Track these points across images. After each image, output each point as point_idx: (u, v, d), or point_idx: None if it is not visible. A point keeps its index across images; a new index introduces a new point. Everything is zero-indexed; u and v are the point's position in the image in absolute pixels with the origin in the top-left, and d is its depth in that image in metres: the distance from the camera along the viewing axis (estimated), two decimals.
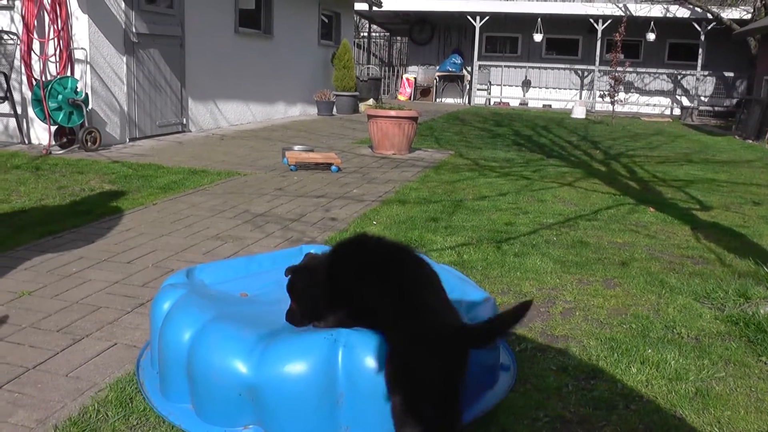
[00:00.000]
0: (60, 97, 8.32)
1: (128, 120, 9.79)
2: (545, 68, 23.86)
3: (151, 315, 2.84)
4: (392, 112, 9.62)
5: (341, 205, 6.28)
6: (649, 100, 22.92)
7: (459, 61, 24.44)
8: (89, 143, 8.70)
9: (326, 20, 17.45)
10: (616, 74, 17.82)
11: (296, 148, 8.93)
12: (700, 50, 21.38)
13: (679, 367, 3.10)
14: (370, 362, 2.34)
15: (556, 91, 23.87)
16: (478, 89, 23.67)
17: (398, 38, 26.92)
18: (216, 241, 4.96)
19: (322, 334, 2.40)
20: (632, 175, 9.14)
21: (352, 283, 2.44)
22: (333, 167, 8.08)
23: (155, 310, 2.80)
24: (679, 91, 23.01)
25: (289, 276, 2.59)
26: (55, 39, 8.56)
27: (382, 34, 27.07)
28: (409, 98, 24.22)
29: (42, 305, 3.61)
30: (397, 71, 25.84)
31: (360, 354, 2.35)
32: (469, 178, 8.10)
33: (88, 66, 8.93)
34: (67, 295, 3.75)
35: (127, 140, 9.76)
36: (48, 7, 8.48)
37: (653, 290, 4.21)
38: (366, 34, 25.62)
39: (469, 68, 24.25)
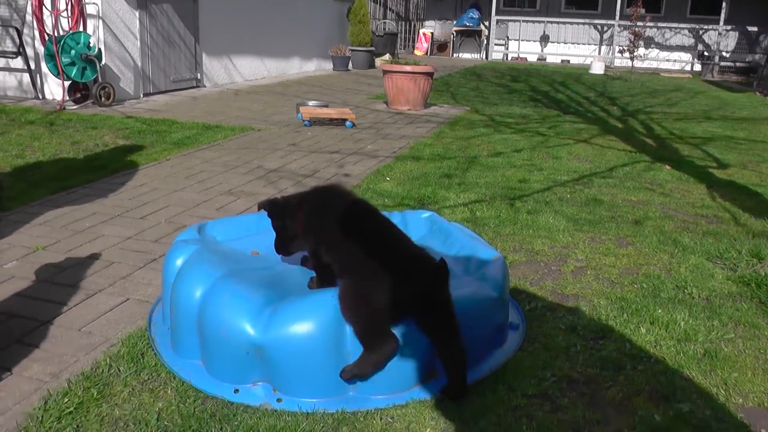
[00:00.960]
0: (73, 52, 8.29)
1: (142, 75, 9.76)
2: (564, 23, 23.44)
3: (164, 271, 2.86)
4: (407, 68, 9.53)
5: (355, 161, 6.26)
6: (670, 55, 22.52)
7: (477, 16, 24.07)
8: (103, 98, 8.69)
9: None
10: (637, 29, 17.49)
11: (311, 103, 8.89)
12: (723, 3, 20.92)
13: (688, 328, 3.09)
14: None
15: (574, 47, 23.49)
16: (496, 44, 23.35)
17: None
18: (229, 196, 4.97)
19: (329, 294, 2.41)
20: (649, 132, 9.03)
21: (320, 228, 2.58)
22: (347, 123, 8.05)
23: (167, 266, 2.82)
24: (700, 46, 22.59)
25: (266, 208, 2.74)
26: None
27: None
28: (426, 53, 23.93)
29: (56, 260, 3.64)
30: (414, 26, 25.47)
31: None
32: (484, 135, 8.04)
33: (101, 21, 8.88)
34: (81, 250, 3.79)
35: (141, 96, 9.75)
36: None
37: (666, 249, 4.19)
38: None
39: (486, 23, 23.88)
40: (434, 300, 2.34)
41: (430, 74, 9.69)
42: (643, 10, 17.70)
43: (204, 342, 2.50)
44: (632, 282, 3.64)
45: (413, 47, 24.34)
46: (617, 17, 21.57)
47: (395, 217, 3.41)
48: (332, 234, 2.50)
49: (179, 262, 2.78)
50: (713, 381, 2.67)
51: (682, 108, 12.05)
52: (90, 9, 8.80)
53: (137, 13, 9.54)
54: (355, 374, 2.31)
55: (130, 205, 4.68)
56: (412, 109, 9.68)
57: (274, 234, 2.74)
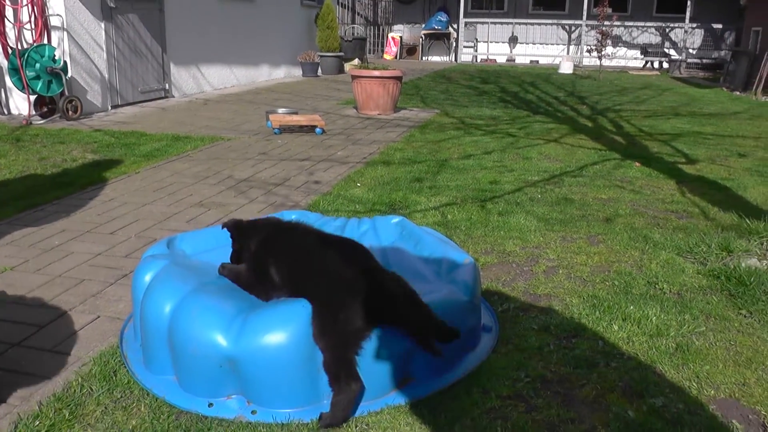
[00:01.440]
0: (38, 65, 8.20)
1: (109, 87, 9.67)
2: (532, 24, 23.61)
3: (133, 287, 2.83)
4: (376, 72, 9.54)
5: (325, 168, 6.25)
6: (637, 53, 22.76)
7: (445, 19, 24.15)
8: (70, 112, 8.60)
9: None
10: (604, 29, 17.66)
11: (280, 111, 8.87)
12: (689, 2, 21.19)
13: (660, 323, 3.12)
14: None
15: (543, 47, 23.67)
16: (465, 47, 23.47)
17: None
18: (199, 208, 4.94)
19: (300, 303, 2.40)
20: (619, 130, 9.11)
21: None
22: (317, 129, 8.03)
23: (137, 282, 2.80)
24: (667, 44, 22.85)
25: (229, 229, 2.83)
26: (29, 5, 8.39)
27: None
28: (396, 57, 23.98)
29: (25, 280, 3.59)
30: (383, 30, 25.52)
31: None
32: (455, 137, 8.07)
33: (65, 33, 8.78)
34: (50, 269, 3.74)
35: (109, 108, 9.66)
36: None
37: (637, 246, 4.23)
38: None
39: (455, 26, 23.98)
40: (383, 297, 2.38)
41: (398, 78, 9.71)
42: (609, 10, 17.87)
43: (176, 357, 2.48)
44: (604, 279, 3.67)
45: (382, 51, 24.38)
46: (584, 17, 21.76)
47: (365, 224, 3.42)
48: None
49: (148, 277, 2.75)
50: (685, 374, 2.70)
51: (650, 105, 12.18)
52: (54, 21, 8.69)
53: (103, 24, 9.45)
54: (330, 423, 2.29)
55: (99, 220, 4.63)
56: (381, 114, 9.69)
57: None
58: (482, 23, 23.69)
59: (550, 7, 24.24)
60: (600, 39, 17.67)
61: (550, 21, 23.44)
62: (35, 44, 8.31)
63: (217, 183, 5.67)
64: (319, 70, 16.37)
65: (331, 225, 3.43)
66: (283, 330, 2.33)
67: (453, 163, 6.54)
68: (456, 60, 23.44)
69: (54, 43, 8.63)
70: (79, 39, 9.01)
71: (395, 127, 8.79)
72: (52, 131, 7.75)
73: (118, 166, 6.19)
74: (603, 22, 17.76)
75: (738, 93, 14.51)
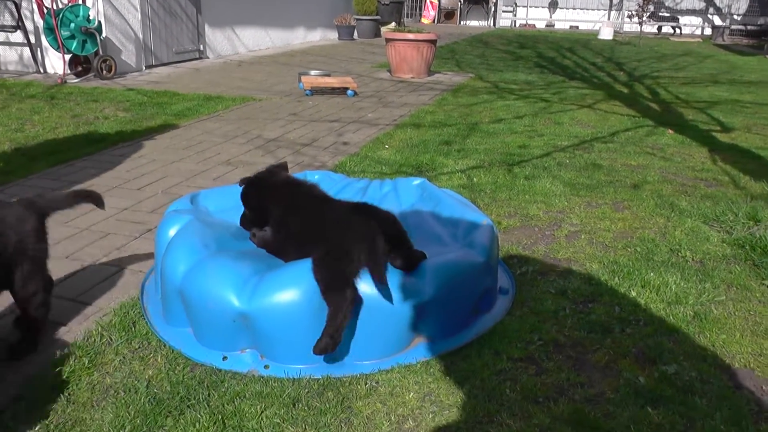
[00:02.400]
0: (72, 25, 8.27)
1: (144, 48, 9.74)
2: None
3: (156, 241, 2.88)
4: (410, 35, 9.46)
5: (354, 130, 6.25)
6: (681, 19, 22.21)
7: None
8: (104, 71, 8.68)
9: None
10: None
11: (312, 72, 8.86)
12: None
13: (679, 291, 3.09)
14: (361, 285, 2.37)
15: (583, 12, 23.23)
16: (504, 11, 23.14)
17: None
18: (227, 166, 4.98)
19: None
20: (654, 97, 8.95)
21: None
22: (349, 92, 8.02)
23: (160, 237, 2.84)
24: (711, 9, 22.27)
25: (243, 185, 2.82)
26: None
27: None
28: (433, 21, 23.74)
29: (52, 232, 3.59)
30: None
31: None
32: (487, 101, 8.00)
33: None
34: (77, 222, 3.81)
35: (144, 68, 9.73)
36: None
37: (662, 213, 4.18)
38: None
39: None
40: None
41: (433, 42, 9.62)
42: None
43: (190, 312, 2.52)
44: (626, 246, 3.64)
45: (420, 15, 24.13)
46: None
47: (386, 186, 3.42)
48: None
49: (172, 232, 2.79)
50: (701, 343, 2.68)
51: (689, 72, 11.93)
52: None
53: None
54: (325, 344, 2.28)
55: (127, 176, 4.70)
56: (415, 77, 9.63)
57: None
58: None
59: None
60: (641, 4, 17.29)
61: None
62: (70, 4, 8.37)
63: (245, 142, 5.70)
64: (355, 34, 16.28)
65: (353, 186, 3.44)
66: (295, 287, 2.36)
67: (483, 127, 6.49)
68: (495, 25, 23.13)
69: (88, 3, 8.69)
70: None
71: (428, 90, 8.73)
72: (86, 90, 7.84)
73: (150, 124, 6.25)
74: None
75: None
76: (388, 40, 9.67)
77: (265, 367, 2.40)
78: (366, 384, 2.34)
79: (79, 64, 8.80)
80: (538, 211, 4.13)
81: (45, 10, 8.44)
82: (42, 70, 9.15)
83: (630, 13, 18.78)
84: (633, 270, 3.30)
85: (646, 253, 3.55)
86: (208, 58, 11.31)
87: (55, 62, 9.02)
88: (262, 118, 6.69)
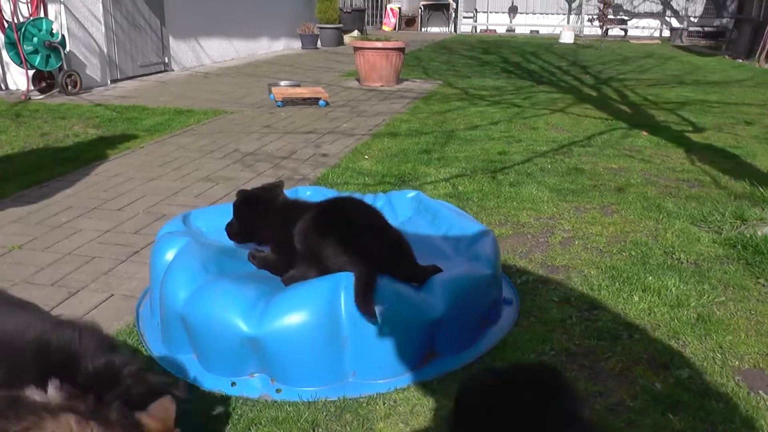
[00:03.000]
0: (35, 39, 8.07)
1: (108, 61, 9.55)
2: None
3: (152, 265, 2.77)
4: (379, 44, 9.43)
5: (331, 140, 6.18)
6: (638, 22, 22.51)
7: None
8: (69, 87, 8.49)
9: None
10: None
11: (282, 83, 8.78)
12: None
13: (680, 294, 3.09)
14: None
15: (543, 17, 23.41)
16: (464, 17, 23.24)
17: None
18: (207, 182, 4.88)
19: (323, 281, 2.35)
20: (624, 99, 9.04)
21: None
22: (321, 102, 7.95)
23: (156, 260, 2.73)
24: (668, 12, 22.62)
25: (239, 197, 2.83)
26: None
27: None
28: (394, 28, 23.75)
29: (33, 259, 3.54)
30: (380, 1, 25.26)
31: None
32: (460, 108, 7.99)
33: (62, 6, 8.64)
34: (59, 247, 3.68)
35: (109, 82, 9.55)
36: None
37: (651, 216, 4.19)
38: None
39: None
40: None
41: (401, 49, 9.61)
42: None
43: (195, 339, 2.43)
44: (620, 250, 3.63)
45: (381, 23, 24.14)
46: None
47: (380, 199, 3.37)
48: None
49: (169, 255, 2.69)
50: (709, 345, 2.67)
51: (654, 74, 12.08)
52: None
53: None
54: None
55: (106, 196, 4.57)
56: (384, 85, 9.59)
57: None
58: None
59: None
60: (602, 8, 17.49)
61: None
62: (32, 17, 8.18)
63: (222, 157, 5.60)
64: (319, 42, 16.20)
65: None
66: (305, 308, 2.29)
67: (460, 134, 6.47)
68: (455, 31, 23.22)
69: (51, 16, 8.49)
70: (77, 12, 8.88)
71: (399, 98, 8.70)
72: (52, 106, 7.65)
73: (122, 140, 6.11)
74: None
75: (741, 60, 14.39)
76: (356, 49, 9.62)
77: (277, 391, 2.32)
78: (384, 404, 2.28)
79: (42, 80, 8.57)
80: (528, 218, 4.10)
81: (6, 24, 8.22)
82: (3, 87, 8.92)
83: (591, 17, 18.98)
84: (631, 274, 3.28)
85: (641, 256, 3.55)
86: (173, 70, 11.15)
87: (18, 78, 8.78)
88: (236, 131, 6.59)
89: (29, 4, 8.29)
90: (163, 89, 9.29)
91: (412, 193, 3.36)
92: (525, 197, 4.49)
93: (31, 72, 8.36)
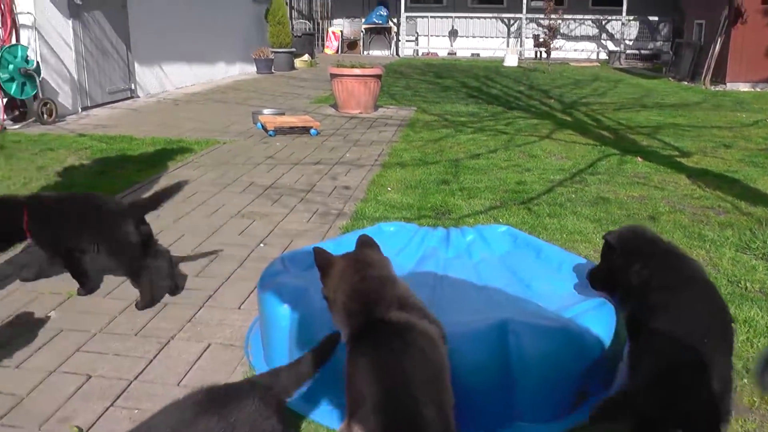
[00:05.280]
0: (11, 66, 7.73)
1: (79, 88, 9.23)
2: (472, 18, 23.79)
3: (268, 315, 2.66)
4: (357, 71, 9.38)
5: (344, 172, 6.10)
6: (576, 45, 23.15)
7: (385, 13, 24.06)
8: (45, 115, 8.16)
9: None
10: (551, 22, 17.91)
11: (266, 111, 8.63)
12: None
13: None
14: (540, 346, 2.27)
15: (483, 40, 23.82)
16: (407, 40, 23.45)
17: None
18: (242, 219, 4.73)
19: (488, 323, 2.30)
20: (599, 124, 9.24)
21: None
22: (312, 131, 7.84)
23: (274, 313, 2.61)
24: (604, 35, 23.36)
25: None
26: None
27: None
28: (337, 52, 23.79)
29: (98, 307, 3.34)
30: (320, 25, 25.25)
31: (530, 339, 2.27)
32: (450, 136, 8.02)
33: (36, 32, 8.31)
34: (121, 293, 3.48)
35: (80, 110, 9.21)
36: None
37: (697, 244, 4.27)
38: None
39: (395, 20, 23.96)
40: None
41: (378, 76, 9.60)
42: (552, 4, 18.13)
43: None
44: None
45: (323, 46, 24.13)
46: (524, 11, 22.03)
47: (469, 233, 3.33)
48: None
49: (286, 308, 2.57)
50: None
51: (612, 97, 12.42)
52: (23, 19, 8.19)
53: (70, 22, 9.00)
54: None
55: None
56: (363, 112, 9.56)
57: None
58: (422, 17, 23.73)
59: (488, 1, 24.42)
60: (547, 33, 17.91)
61: (489, 15, 23.65)
62: (6, 45, 7.83)
63: (242, 191, 5.45)
64: (272, 67, 16.06)
65: (433, 235, 3.35)
66: (474, 352, 2.23)
67: (466, 163, 6.49)
68: (398, 54, 23.40)
69: (23, 42, 8.16)
70: (49, 38, 8.56)
71: (384, 126, 8.67)
72: (32, 137, 7.31)
73: (124, 173, 5.88)
74: (550, 15, 18.01)
75: (686, 83, 14.94)
76: (333, 76, 9.55)
77: None
78: None
79: (15, 108, 8.19)
80: (587, 251, 4.12)
81: None
82: None
83: (537, 39, 19.40)
84: None
85: None
86: (138, 97, 10.83)
87: None
88: (240, 162, 6.43)
89: (2, 30, 7.94)
90: (139, 117, 9.02)
91: (502, 228, 3.34)
92: (571, 229, 4.51)
93: (4, 100, 8.00)
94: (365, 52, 24.20)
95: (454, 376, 1.97)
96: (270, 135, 7.72)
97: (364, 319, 1.99)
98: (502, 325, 2.28)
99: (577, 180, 5.92)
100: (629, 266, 2.41)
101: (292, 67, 16.69)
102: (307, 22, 21.77)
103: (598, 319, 2.42)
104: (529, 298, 2.66)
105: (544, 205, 5.10)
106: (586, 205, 5.10)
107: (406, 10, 22.95)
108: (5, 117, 8.04)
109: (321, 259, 2.18)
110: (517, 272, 2.92)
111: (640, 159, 6.89)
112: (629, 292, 2.41)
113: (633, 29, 22.67)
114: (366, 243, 2.24)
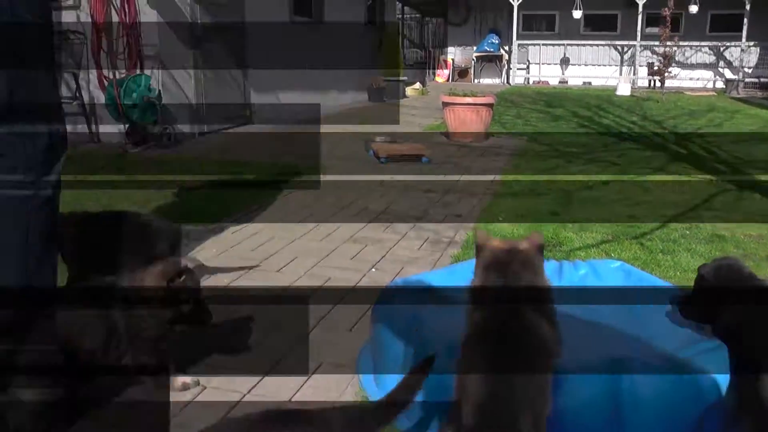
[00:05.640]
0: (135, 95, 8.24)
1: (197, 115, 9.72)
2: (584, 45, 23.53)
3: (381, 340, 2.74)
4: (469, 99, 9.48)
5: (456, 200, 6.18)
6: (691, 73, 22.50)
7: (497, 41, 24.16)
8: (164, 140, 8.64)
9: (369, 2, 17.19)
10: (666, 50, 17.50)
11: (378, 139, 8.81)
12: (745, 20, 20.92)
13: None
14: (653, 386, 2.25)
15: (595, 68, 23.50)
16: (518, 68, 23.39)
17: (430, 19, 26.58)
18: (354, 244, 4.86)
19: (601, 360, 2.30)
20: (715, 157, 8.96)
21: None
22: (423, 158, 7.97)
23: (386, 338, 2.69)
24: (721, 63, 22.60)
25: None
26: (125, 37, 8.49)
27: (413, 15, 26.75)
28: (448, 80, 24.01)
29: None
30: (431, 53, 25.54)
31: (642, 378, 2.25)
32: (561, 167, 7.98)
33: (159, 62, 8.84)
34: (223, 312, 3.62)
35: (197, 135, 9.69)
36: (117, 5, 8.39)
37: None
38: (399, 16, 25.32)
39: (506, 48, 23.97)
40: None
41: (491, 105, 9.66)
42: (668, 30, 17.69)
43: None
44: None
45: (434, 74, 24.38)
46: (638, 37, 21.62)
47: (581, 267, 3.33)
48: None
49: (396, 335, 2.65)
50: None
51: (729, 128, 12.00)
52: (147, 50, 8.78)
53: (191, 53, 9.51)
54: None
55: (254, 256, 4.56)
56: (474, 141, 9.61)
57: None
58: (534, 45, 23.65)
59: (601, 28, 24.08)
60: (663, 60, 17.50)
61: (602, 42, 23.33)
62: (131, 75, 8.36)
63: (355, 215, 5.61)
64: (384, 95, 16.35)
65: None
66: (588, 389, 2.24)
67: (577, 195, 6.44)
68: (509, 82, 23.36)
69: (146, 72, 8.68)
70: (171, 67, 9.08)
71: (495, 155, 8.71)
72: (152, 159, 7.76)
73: (241, 196, 6.15)
74: (665, 42, 17.58)
75: None
76: (446, 104, 9.68)
77: None
78: None
79: (137, 134, 8.72)
80: None
81: (106, 82, 8.43)
82: (96, 140, 9.09)
83: (653, 69, 18.96)
84: None
85: None
86: (253, 123, 11.27)
87: (110, 132, 8.94)
88: (355, 187, 6.60)
89: (127, 61, 8.49)
90: (254, 143, 9.40)
91: (616, 263, 3.32)
92: (685, 267, 4.40)
93: (126, 126, 8.53)
94: (476, 80, 24.32)
95: (563, 412, 1.98)
96: (381, 162, 7.89)
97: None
98: (615, 362, 2.27)
99: (691, 216, 5.77)
100: (723, 302, 2.28)
101: (404, 95, 16.94)
102: (418, 50, 22.05)
103: (715, 361, 2.37)
104: (643, 336, 2.64)
105: (657, 240, 5.00)
106: (700, 243, 4.97)
107: (517, 38, 22.92)
108: (128, 141, 8.56)
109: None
110: (632, 309, 2.90)
111: (758, 196, 6.64)
112: (724, 330, 2.28)
113: (753, 56, 21.79)
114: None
